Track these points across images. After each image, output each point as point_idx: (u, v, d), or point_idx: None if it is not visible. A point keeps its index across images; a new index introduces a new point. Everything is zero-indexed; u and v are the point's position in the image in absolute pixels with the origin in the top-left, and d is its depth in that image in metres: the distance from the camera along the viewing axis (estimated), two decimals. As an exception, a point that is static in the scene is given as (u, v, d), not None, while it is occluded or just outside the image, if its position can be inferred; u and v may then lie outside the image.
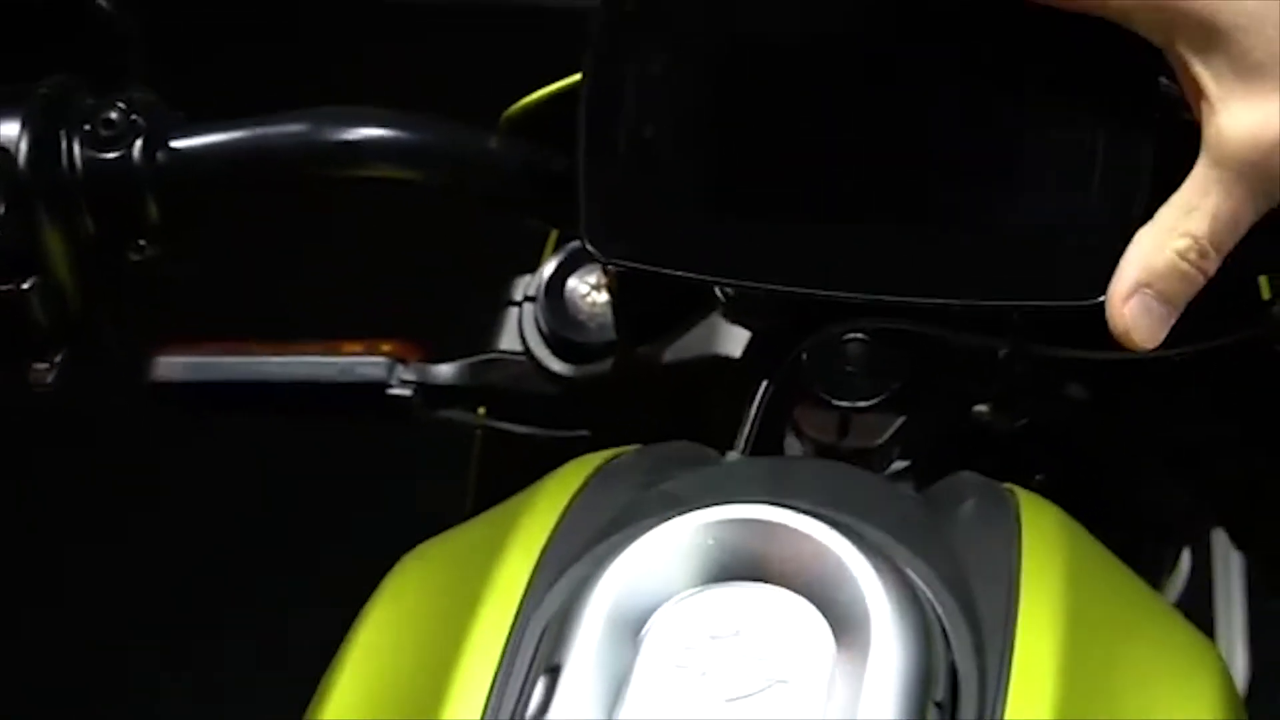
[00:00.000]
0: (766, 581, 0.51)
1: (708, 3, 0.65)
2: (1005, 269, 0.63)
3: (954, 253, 0.64)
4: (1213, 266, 0.60)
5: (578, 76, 0.70)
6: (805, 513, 0.52)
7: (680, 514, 0.53)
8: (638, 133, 0.66)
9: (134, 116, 0.68)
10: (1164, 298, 0.60)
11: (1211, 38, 0.57)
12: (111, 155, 0.68)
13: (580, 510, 0.59)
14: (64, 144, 0.67)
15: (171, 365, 0.88)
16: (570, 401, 0.83)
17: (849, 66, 0.64)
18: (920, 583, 0.53)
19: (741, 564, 0.51)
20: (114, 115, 0.67)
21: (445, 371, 0.86)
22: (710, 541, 0.52)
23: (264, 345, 0.88)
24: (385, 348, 0.86)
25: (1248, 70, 0.57)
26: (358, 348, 0.87)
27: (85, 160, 0.67)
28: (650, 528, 0.53)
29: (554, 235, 0.87)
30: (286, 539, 2.16)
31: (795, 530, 0.51)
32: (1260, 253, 0.65)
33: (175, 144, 0.69)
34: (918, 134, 0.64)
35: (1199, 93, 0.58)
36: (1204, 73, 0.58)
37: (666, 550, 0.52)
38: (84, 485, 2.22)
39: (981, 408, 0.73)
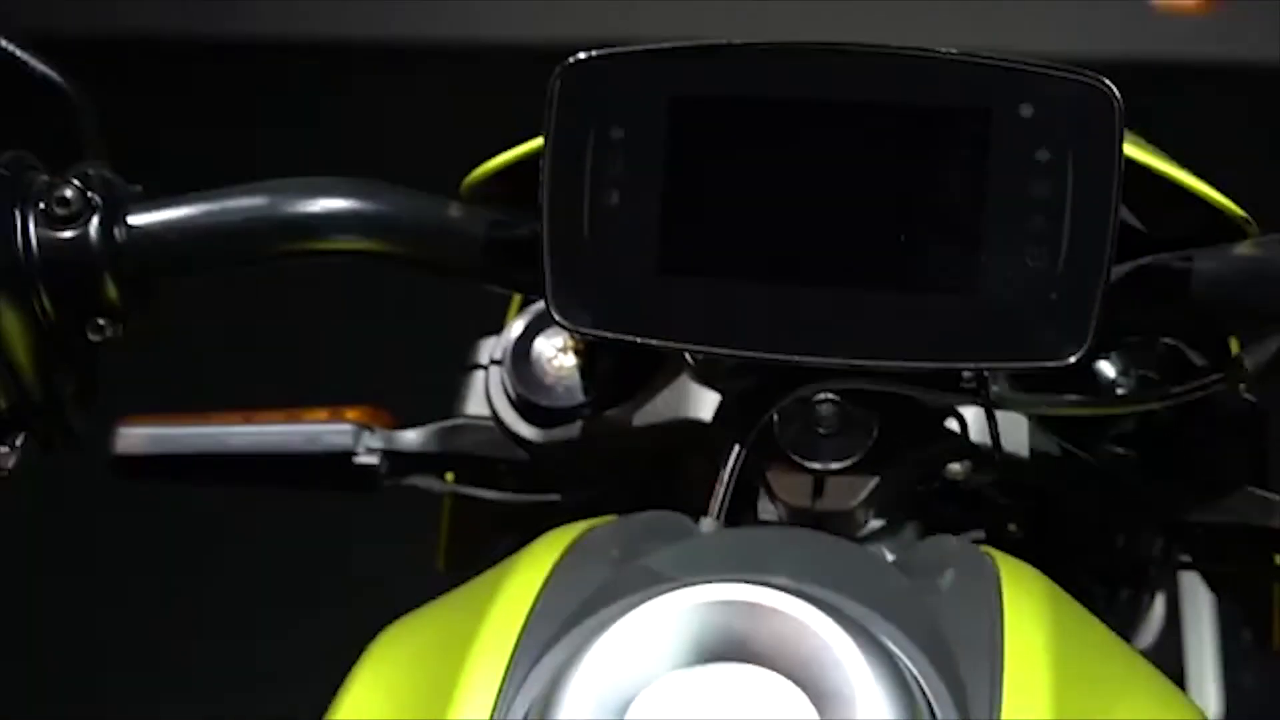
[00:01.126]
0: (750, 662, 0.51)
1: (665, 70, 0.65)
2: (976, 331, 0.63)
3: (924, 316, 0.63)
4: None
5: (537, 142, 0.70)
6: (786, 590, 0.52)
7: (661, 594, 0.52)
8: (598, 200, 0.65)
9: (90, 194, 0.67)
10: None
11: None
12: (68, 234, 0.66)
13: (557, 586, 0.58)
14: (19, 222, 0.66)
15: (133, 437, 0.87)
16: (538, 466, 0.82)
17: (812, 130, 0.64)
18: (904, 658, 0.52)
19: (724, 645, 0.51)
20: (69, 193, 0.66)
21: (412, 438, 0.85)
22: (692, 623, 0.51)
23: (227, 415, 0.87)
24: (351, 415, 0.85)
25: None
26: (323, 415, 0.86)
27: (41, 239, 0.66)
28: (631, 608, 0.52)
29: (518, 297, 0.86)
30: (253, 602, 2.14)
31: (777, 611, 0.51)
32: (1233, 311, 0.65)
33: (133, 221, 0.68)
34: (883, 198, 0.63)
35: None
36: None
37: (648, 633, 0.51)
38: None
39: (955, 466, 0.73)
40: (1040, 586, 0.59)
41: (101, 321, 0.67)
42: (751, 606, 0.51)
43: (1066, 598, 0.60)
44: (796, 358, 0.65)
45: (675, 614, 0.51)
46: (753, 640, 0.51)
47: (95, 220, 0.67)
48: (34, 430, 0.68)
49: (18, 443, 0.67)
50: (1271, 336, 0.67)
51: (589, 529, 0.63)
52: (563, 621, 0.55)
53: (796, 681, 0.50)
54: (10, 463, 0.67)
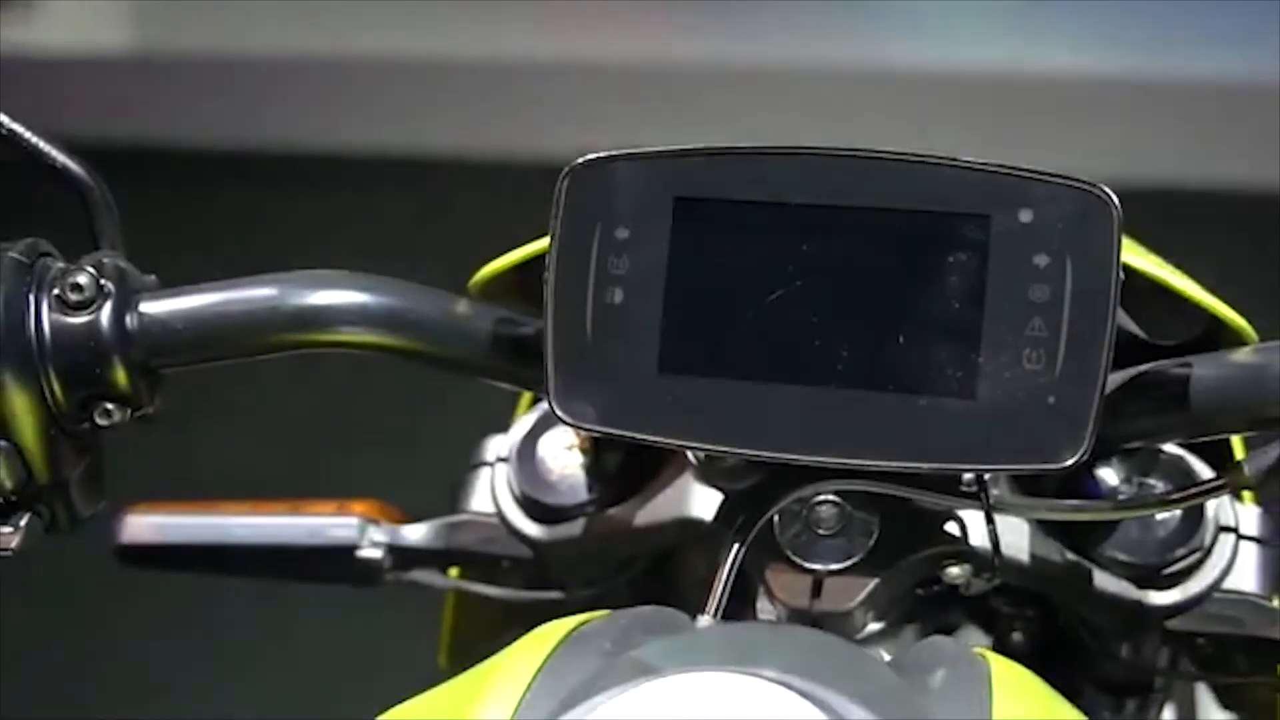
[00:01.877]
0: None
1: (671, 172, 0.66)
2: (974, 434, 0.63)
3: (922, 418, 0.64)
4: None
5: (543, 242, 0.71)
6: (775, 682, 0.52)
7: (647, 681, 0.52)
8: (602, 298, 0.66)
9: (103, 281, 0.68)
10: None
11: None
12: (79, 320, 0.67)
13: (548, 677, 0.58)
14: (32, 307, 0.67)
15: (139, 525, 0.87)
16: (542, 563, 0.82)
17: (814, 233, 0.65)
18: None
19: None
20: (82, 280, 0.67)
21: (416, 533, 0.85)
22: (678, 711, 0.51)
23: (232, 504, 0.87)
24: (356, 508, 0.86)
25: None
26: (329, 508, 0.86)
27: (52, 324, 0.67)
28: (618, 695, 0.52)
29: (526, 396, 0.87)
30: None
31: (762, 702, 0.51)
32: (1233, 416, 0.65)
33: (144, 309, 0.69)
34: (883, 300, 0.64)
35: None
36: None
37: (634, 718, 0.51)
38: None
39: (955, 569, 0.73)
40: (1031, 685, 0.59)
41: (110, 407, 0.68)
42: (737, 696, 0.51)
43: (1058, 698, 0.60)
44: (795, 457, 0.65)
45: (661, 701, 0.51)
46: None
47: (108, 307, 0.68)
48: (38, 512, 0.68)
49: (22, 523, 0.68)
50: (1273, 442, 0.67)
51: (583, 622, 0.63)
52: (550, 710, 0.55)
53: None
54: (14, 543, 0.68)
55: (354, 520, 0.85)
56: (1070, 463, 0.62)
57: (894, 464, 0.65)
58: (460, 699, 0.59)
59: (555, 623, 0.63)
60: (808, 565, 0.71)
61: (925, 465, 0.64)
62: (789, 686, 0.52)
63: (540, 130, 3.25)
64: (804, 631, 0.66)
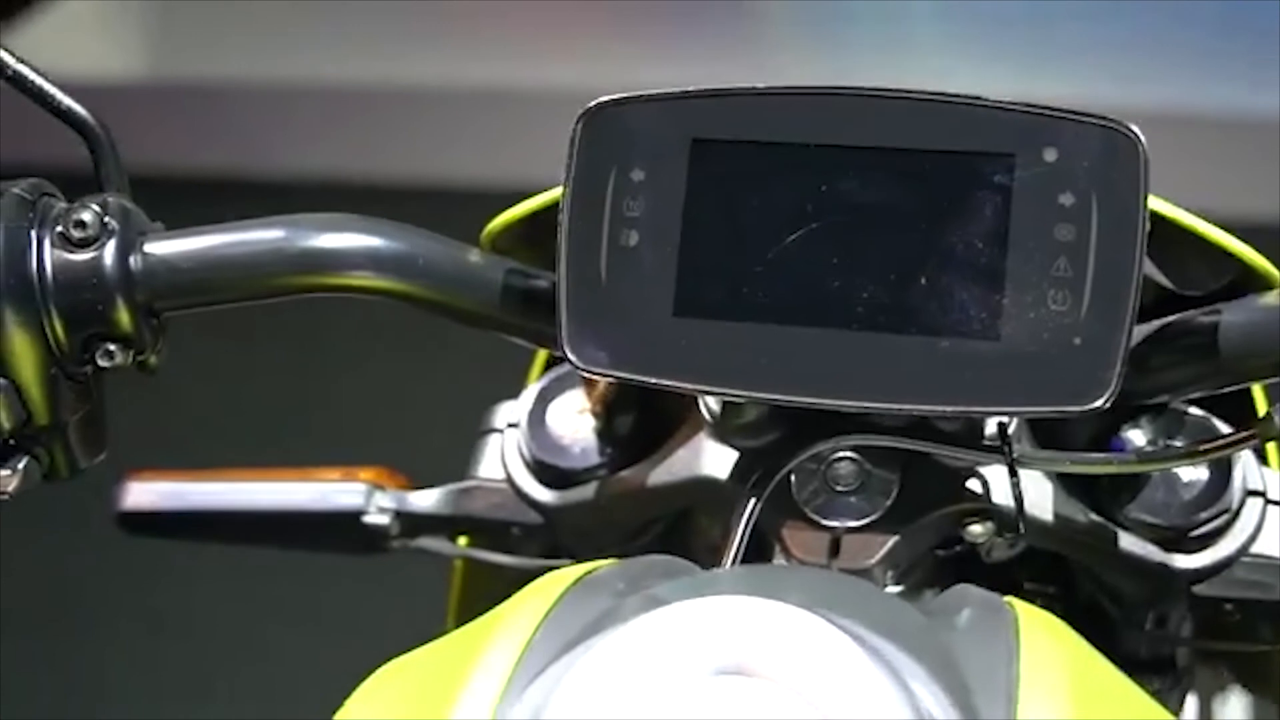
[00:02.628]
0: (758, 677, 0.49)
1: (687, 113, 0.65)
2: (1000, 377, 0.62)
3: (946, 360, 0.62)
4: None
5: (555, 192, 0.70)
6: (798, 607, 0.50)
7: (665, 607, 0.50)
8: (616, 241, 0.65)
9: (107, 219, 0.66)
10: None
11: None
12: (83, 257, 0.66)
13: (558, 618, 0.56)
14: (34, 243, 0.65)
15: (142, 492, 0.86)
16: (552, 529, 0.80)
17: (832, 174, 0.63)
18: (916, 682, 0.50)
19: (732, 659, 0.49)
20: (87, 217, 0.66)
21: (424, 499, 0.84)
22: (698, 636, 0.49)
23: (237, 472, 0.86)
24: (364, 475, 0.84)
25: None
26: (335, 475, 0.84)
27: (55, 261, 0.65)
28: (631, 622, 0.50)
29: (538, 363, 0.85)
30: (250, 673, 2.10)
31: (786, 623, 0.49)
32: (1264, 361, 0.64)
33: (149, 249, 0.67)
34: (905, 242, 0.63)
35: None
36: None
37: (650, 644, 0.49)
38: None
39: (977, 527, 0.71)
40: (1059, 629, 0.57)
41: (112, 348, 0.67)
42: (761, 619, 0.49)
43: (1086, 644, 0.58)
44: (814, 400, 0.64)
45: (679, 626, 0.49)
46: (762, 654, 0.49)
47: (111, 245, 0.66)
48: (37, 456, 0.67)
49: (20, 466, 0.66)
50: None
51: (592, 570, 0.61)
52: (561, 646, 0.53)
53: (805, 697, 0.48)
54: (11, 485, 0.66)
55: (361, 486, 0.83)
56: (1098, 404, 0.61)
57: (917, 407, 0.63)
58: (467, 645, 0.57)
59: (564, 570, 0.62)
60: (826, 522, 0.69)
61: (949, 408, 0.63)
62: (811, 611, 0.50)
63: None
64: (824, 572, 0.64)
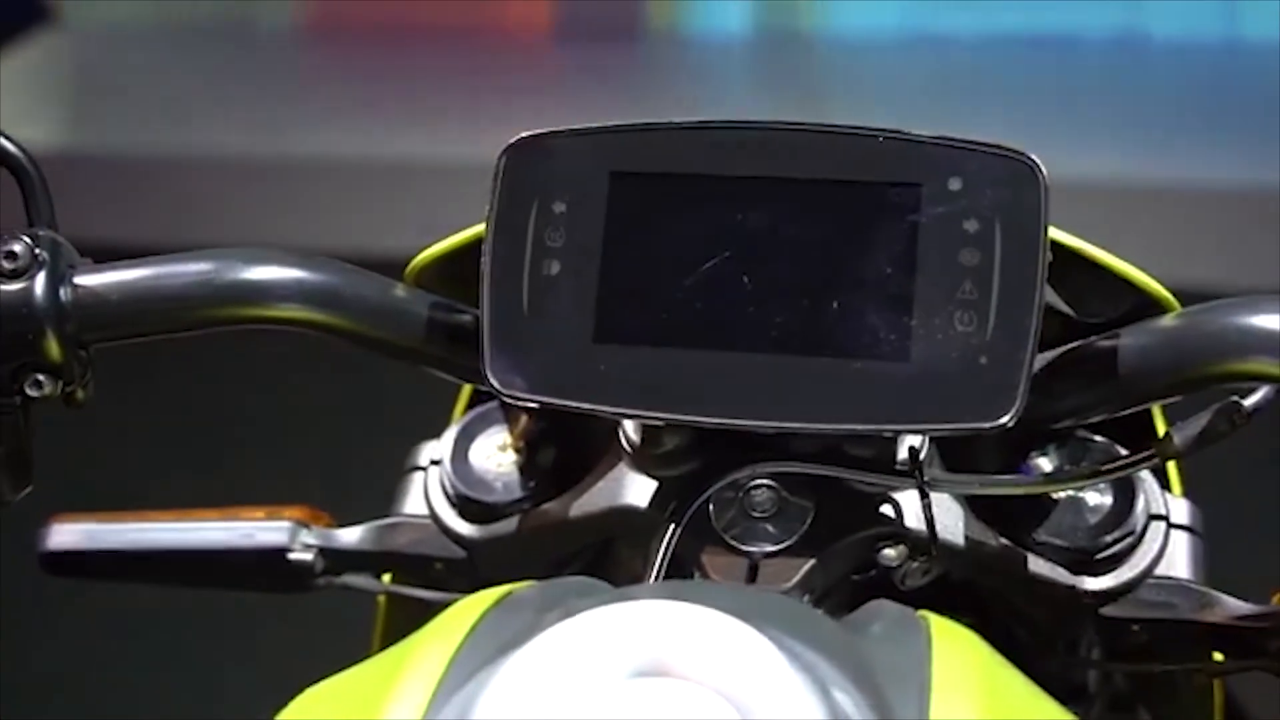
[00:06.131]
0: (677, 678, 0.50)
1: (607, 146, 0.67)
2: (909, 396, 0.64)
3: (858, 381, 0.64)
4: None
5: (477, 228, 0.71)
6: (714, 610, 0.51)
7: (582, 612, 0.51)
8: (538, 270, 0.67)
9: (38, 251, 0.68)
10: None
11: None
12: (12, 287, 0.67)
13: (480, 636, 0.57)
14: None
15: (64, 533, 0.86)
16: (475, 563, 0.81)
17: (747, 204, 0.66)
18: (836, 690, 0.52)
19: (651, 659, 0.50)
20: (17, 248, 0.67)
21: (349, 536, 0.84)
22: (617, 637, 0.50)
23: (162, 513, 0.86)
24: (288, 513, 0.85)
25: None
26: (259, 514, 0.85)
27: None
28: (550, 629, 0.51)
29: (460, 403, 0.86)
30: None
31: (706, 624, 0.50)
32: (1161, 380, 0.66)
33: (78, 281, 0.68)
34: (817, 268, 0.65)
35: None
36: None
37: (570, 647, 0.50)
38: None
39: (891, 550, 0.73)
40: (969, 639, 0.59)
41: (41, 378, 0.67)
42: (680, 622, 0.50)
43: (995, 653, 0.60)
44: (731, 422, 0.66)
45: (599, 629, 0.50)
46: (681, 655, 0.50)
47: (41, 276, 0.67)
48: None
49: None
50: (1196, 415, 0.68)
51: (514, 589, 0.62)
52: (485, 659, 0.54)
53: (724, 697, 0.49)
54: None
55: (285, 524, 0.84)
56: (1004, 419, 0.63)
57: (831, 426, 0.65)
58: (392, 664, 0.58)
59: (484, 592, 0.63)
60: (743, 548, 0.71)
61: (862, 427, 0.65)
62: (729, 615, 0.51)
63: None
64: (742, 585, 0.66)
